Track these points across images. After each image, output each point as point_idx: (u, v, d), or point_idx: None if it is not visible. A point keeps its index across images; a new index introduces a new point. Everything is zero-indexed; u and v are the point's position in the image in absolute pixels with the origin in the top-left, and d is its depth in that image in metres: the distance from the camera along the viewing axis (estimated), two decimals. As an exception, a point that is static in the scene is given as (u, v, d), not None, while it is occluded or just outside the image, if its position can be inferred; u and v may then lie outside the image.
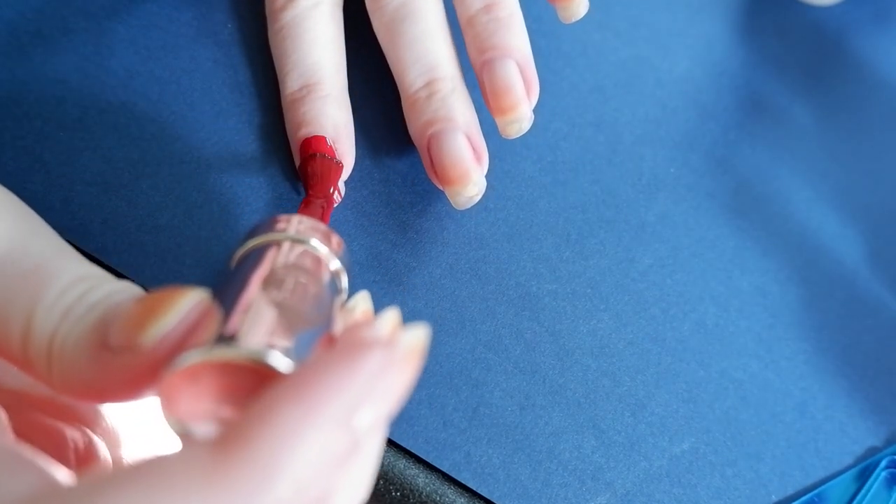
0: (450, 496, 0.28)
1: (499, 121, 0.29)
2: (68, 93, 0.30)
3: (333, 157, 0.29)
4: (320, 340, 0.19)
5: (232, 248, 0.23)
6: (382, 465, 0.28)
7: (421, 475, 0.28)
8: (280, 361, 0.18)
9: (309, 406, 0.16)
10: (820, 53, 0.39)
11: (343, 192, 0.30)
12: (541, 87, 0.32)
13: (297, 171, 0.31)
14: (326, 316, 0.20)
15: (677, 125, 0.35)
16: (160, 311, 0.18)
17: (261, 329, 0.18)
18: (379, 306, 0.29)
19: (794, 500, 0.30)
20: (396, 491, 0.28)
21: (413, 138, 0.30)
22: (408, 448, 0.28)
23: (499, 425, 0.29)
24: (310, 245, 0.22)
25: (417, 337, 0.18)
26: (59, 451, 0.21)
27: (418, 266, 0.30)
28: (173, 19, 0.32)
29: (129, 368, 0.18)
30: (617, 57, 0.36)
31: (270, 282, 0.20)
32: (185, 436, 0.19)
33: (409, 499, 0.28)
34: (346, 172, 0.30)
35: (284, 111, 0.30)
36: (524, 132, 0.29)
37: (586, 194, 0.33)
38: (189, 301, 0.18)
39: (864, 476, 0.31)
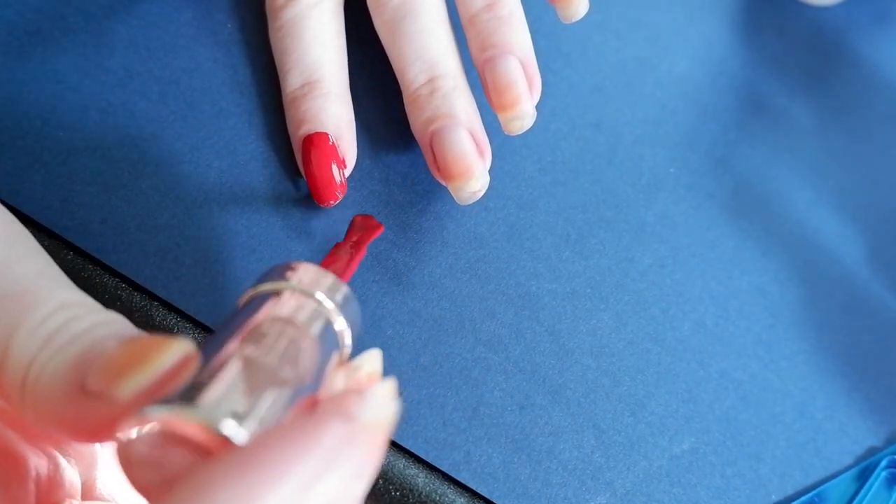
0: (449, 496, 0.28)
1: (501, 117, 0.29)
2: (68, 92, 0.30)
3: (336, 155, 0.29)
4: (301, 402, 0.18)
5: (241, 291, 0.22)
6: (382, 465, 0.28)
7: (420, 475, 0.28)
8: (233, 431, 0.17)
9: (252, 486, 0.15)
10: (820, 53, 0.39)
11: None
12: (541, 87, 0.32)
13: (297, 169, 0.31)
14: (312, 377, 0.19)
15: (677, 125, 0.35)
16: (142, 362, 0.18)
17: (225, 390, 0.17)
18: (379, 305, 0.29)
19: (794, 500, 0.30)
20: (396, 490, 0.28)
21: (415, 135, 0.30)
22: (407, 448, 0.28)
23: (498, 425, 0.29)
24: (313, 298, 0.21)
25: (385, 412, 0.17)
26: (18, 480, 0.20)
27: (418, 265, 0.30)
28: (173, 19, 0.32)
29: (102, 416, 0.18)
30: (617, 57, 0.36)
31: (253, 337, 0.19)
32: (137, 484, 0.18)
33: (408, 498, 0.28)
34: (347, 170, 0.30)
35: (285, 109, 0.30)
36: (526, 129, 0.29)
37: (586, 194, 0.33)
38: (172, 355, 0.18)
39: (864, 476, 0.31)
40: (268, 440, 0.16)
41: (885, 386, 0.32)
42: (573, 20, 0.30)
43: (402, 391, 0.28)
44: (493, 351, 0.30)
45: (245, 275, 0.29)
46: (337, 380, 0.20)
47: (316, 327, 0.20)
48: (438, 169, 0.29)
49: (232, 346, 0.19)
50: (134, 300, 0.28)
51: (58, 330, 0.18)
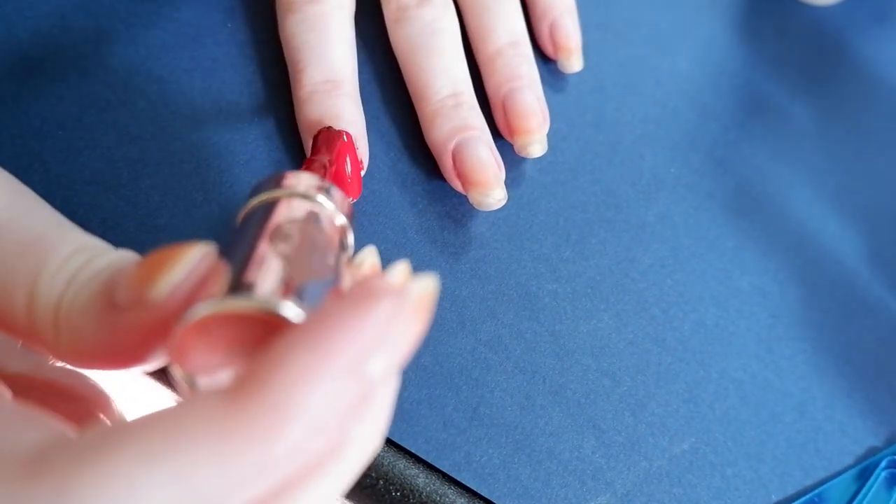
0: (450, 496, 0.28)
1: (520, 140, 0.31)
2: (67, 91, 0.30)
3: (354, 154, 0.29)
4: (329, 293, 0.20)
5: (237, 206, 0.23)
6: (382, 465, 0.28)
7: (421, 475, 0.28)
8: (292, 311, 0.18)
9: (321, 353, 0.16)
10: (820, 53, 0.39)
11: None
12: (542, 87, 0.33)
13: (300, 166, 0.31)
14: (334, 270, 0.20)
15: (677, 125, 0.35)
16: (167, 265, 0.18)
17: (271, 280, 0.18)
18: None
19: (794, 500, 0.30)
20: (396, 491, 0.28)
21: (434, 142, 0.31)
22: (408, 448, 0.28)
23: (499, 425, 0.29)
24: (316, 201, 0.22)
25: (427, 286, 0.18)
26: (103, 403, 0.21)
27: (419, 266, 0.30)
28: (173, 19, 0.32)
29: (139, 325, 0.18)
30: (617, 57, 0.36)
31: (278, 235, 0.20)
32: (196, 392, 0.19)
33: (409, 499, 0.28)
34: (361, 172, 0.30)
35: (301, 102, 0.30)
36: (538, 155, 0.32)
37: (586, 194, 0.33)
38: (196, 254, 0.18)
39: (864, 476, 0.31)
40: (324, 317, 0.17)
41: (885, 386, 0.32)
42: (571, 71, 0.35)
43: (403, 391, 0.28)
44: (494, 351, 0.29)
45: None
46: (345, 277, 0.21)
47: (327, 226, 0.22)
48: (461, 177, 0.30)
49: (260, 245, 0.20)
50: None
51: (79, 268, 0.19)
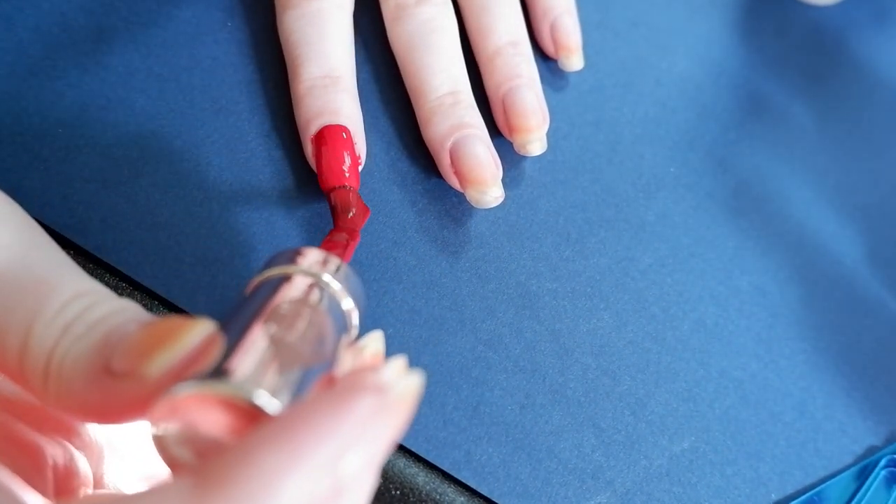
0: (450, 495, 0.28)
1: (519, 139, 0.31)
2: (67, 89, 0.30)
3: (352, 149, 0.29)
4: (319, 380, 0.19)
5: (248, 277, 0.23)
6: (382, 464, 0.28)
7: (421, 474, 0.28)
8: (267, 402, 0.18)
9: (292, 450, 0.16)
10: (820, 53, 0.39)
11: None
12: (542, 87, 0.33)
13: (298, 167, 0.31)
14: (329, 355, 0.20)
15: (677, 125, 0.35)
16: (168, 342, 0.18)
17: (254, 366, 0.18)
18: (379, 305, 0.29)
19: (793, 499, 0.30)
20: (396, 489, 0.28)
21: (432, 140, 0.31)
22: (407, 446, 0.28)
23: (499, 424, 0.29)
24: (322, 280, 0.22)
25: (411, 384, 0.18)
26: (37, 468, 0.20)
27: (418, 264, 0.30)
28: (173, 17, 0.32)
29: (131, 395, 0.18)
30: (616, 56, 0.36)
31: (274, 317, 0.20)
32: (170, 462, 0.19)
33: (408, 497, 0.28)
34: (359, 167, 0.30)
35: (299, 98, 0.30)
36: (537, 154, 0.32)
37: (586, 194, 0.33)
38: (198, 334, 0.18)
39: (863, 475, 0.31)
40: (302, 410, 0.17)
41: (884, 385, 0.32)
42: (572, 70, 0.35)
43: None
44: (494, 350, 0.29)
45: (245, 272, 0.29)
46: (345, 360, 0.21)
47: (328, 308, 0.21)
48: (459, 174, 0.30)
49: (255, 326, 0.19)
50: (134, 299, 0.28)
51: (76, 318, 0.19)
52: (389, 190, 0.31)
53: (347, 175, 0.28)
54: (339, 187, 0.28)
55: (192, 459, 0.18)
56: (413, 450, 0.28)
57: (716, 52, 0.38)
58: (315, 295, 0.21)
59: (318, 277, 0.22)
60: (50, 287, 0.19)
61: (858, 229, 0.35)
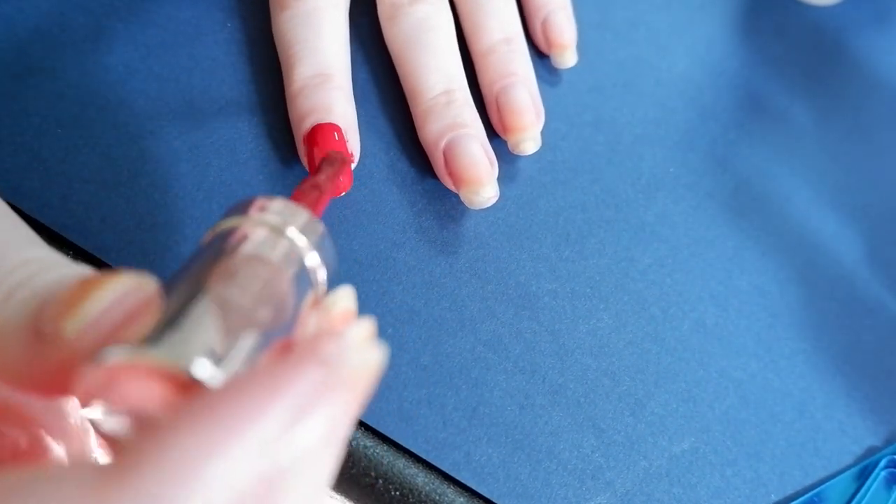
0: (449, 495, 0.28)
1: (513, 138, 0.31)
2: (66, 89, 0.30)
3: (345, 148, 0.29)
4: (273, 345, 0.17)
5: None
6: (382, 465, 0.28)
7: (420, 474, 0.28)
8: (205, 372, 0.16)
9: (220, 428, 0.14)
10: (820, 53, 0.39)
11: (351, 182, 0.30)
12: (540, 86, 0.33)
13: (297, 167, 0.31)
14: (287, 318, 0.18)
15: (677, 125, 0.35)
16: (89, 294, 0.17)
17: (197, 331, 0.16)
18: (379, 305, 0.29)
19: (793, 500, 0.30)
20: (396, 490, 0.28)
21: (427, 141, 0.31)
22: (407, 447, 0.28)
23: (498, 424, 0.29)
24: (284, 234, 0.19)
25: (370, 359, 0.16)
26: None
27: (418, 265, 0.30)
28: (172, 17, 0.32)
29: (56, 361, 0.16)
30: (616, 57, 0.36)
31: (223, 275, 0.17)
32: (108, 441, 0.17)
33: (408, 498, 0.28)
34: (353, 164, 0.30)
35: (291, 97, 0.30)
36: (532, 152, 0.32)
37: (586, 194, 0.33)
38: (117, 287, 0.17)
39: (863, 476, 0.31)
40: (238, 385, 0.15)
41: (884, 386, 0.32)
42: (565, 67, 0.34)
43: (403, 391, 0.28)
44: (493, 351, 0.29)
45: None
46: (310, 320, 0.19)
47: (289, 265, 0.19)
48: (452, 175, 0.30)
49: (200, 284, 0.17)
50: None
51: (20, 284, 0.18)
52: (389, 190, 0.31)
53: (336, 173, 0.28)
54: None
55: (129, 439, 0.16)
56: (413, 450, 0.28)
57: (716, 52, 0.38)
58: (274, 251, 0.19)
59: (279, 230, 0.19)
60: None
61: (858, 229, 0.35)
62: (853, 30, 0.40)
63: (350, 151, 0.29)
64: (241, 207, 0.20)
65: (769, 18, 0.39)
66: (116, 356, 0.16)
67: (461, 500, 0.28)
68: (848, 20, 0.40)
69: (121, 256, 0.28)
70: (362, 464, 0.28)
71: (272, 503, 0.15)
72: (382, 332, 0.29)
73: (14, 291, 0.17)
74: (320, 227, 0.20)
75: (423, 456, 0.28)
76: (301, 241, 0.19)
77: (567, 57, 0.34)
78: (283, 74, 0.31)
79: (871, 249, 0.35)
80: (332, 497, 0.29)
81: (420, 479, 0.28)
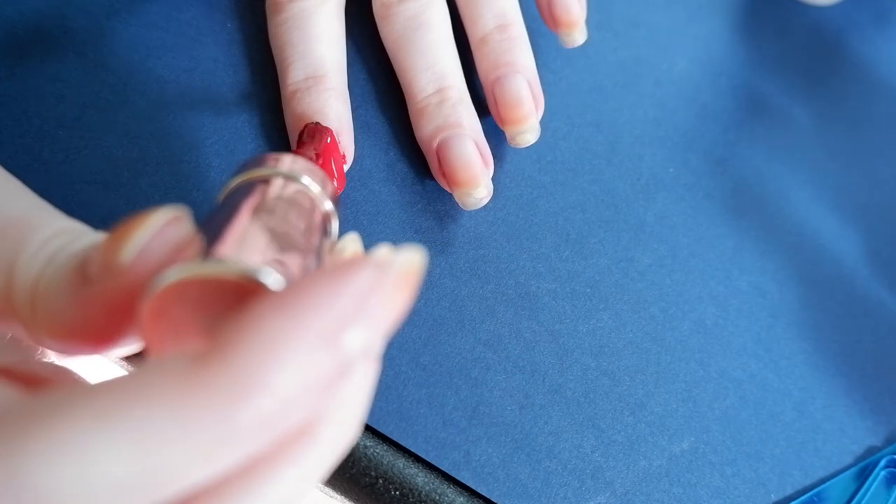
0: (449, 495, 0.28)
1: (510, 131, 0.31)
2: (67, 91, 0.30)
3: (337, 150, 0.29)
4: (310, 272, 0.18)
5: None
6: (382, 464, 0.28)
7: (420, 474, 0.28)
8: (270, 277, 0.17)
9: (295, 320, 0.15)
10: (820, 53, 0.39)
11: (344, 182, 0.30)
12: (541, 86, 0.33)
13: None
14: (316, 251, 0.19)
15: (676, 125, 0.35)
16: (132, 229, 0.18)
17: (250, 249, 0.17)
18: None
19: (793, 500, 0.30)
20: (395, 490, 0.28)
21: (422, 142, 0.31)
22: (407, 447, 0.28)
23: (498, 424, 0.29)
24: (301, 183, 0.21)
25: (412, 259, 0.17)
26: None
27: (418, 265, 0.30)
28: (173, 18, 0.32)
29: (108, 295, 0.17)
30: (616, 57, 0.36)
31: (261, 209, 0.19)
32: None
33: (408, 498, 0.28)
34: (346, 166, 0.30)
35: (285, 102, 0.30)
36: (531, 143, 0.31)
37: (585, 194, 0.33)
38: (161, 216, 0.18)
39: (863, 475, 0.31)
40: (301, 284, 0.16)
41: (884, 386, 0.32)
42: (574, 46, 0.32)
43: (402, 390, 0.28)
44: (493, 350, 0.30)
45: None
46: (326, 262, 0.20)
47: (311, 209, 0.21)
48: (445, 176, 0.30)
49: (242, 217, 0.19)
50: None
51: (59, 249, 0.19)
52: (388, 191, 0.31)
53: (333, 175, 0.29)
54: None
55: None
56: (412, 450, 0.28)
57: (716, 52, 0.38)
58: (297, 195, 0.21)
59: (297, 179, 0.21)
60: (32, 225, 0.19)
61: (858, 229, 0.35)
62: (853, 30, 0.40)
63: (343, 155, 0.29)
64: (257, 162, 0.22)
65: (769, 18, 0.39)
66: (175, 275, 0.16)
67: (461, 499, 0.28)
68: (848, 20, 0.40)
69: (121, 257, 0.28)
70: (362, 463, 0.28)
71: (338, 401, 0.17)
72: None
73: (54, 256, 0.18)
74: (329, 181, 0.22)
75: (423, 456, 0.28)
76: (316, 189, 0.21)
77: (575, 36, 0.32)
78: (279, 78, 0.31)
79: (871, 249, 0.35)
80: (332, 497, 0.29)
81: (420, 478, 0.28)
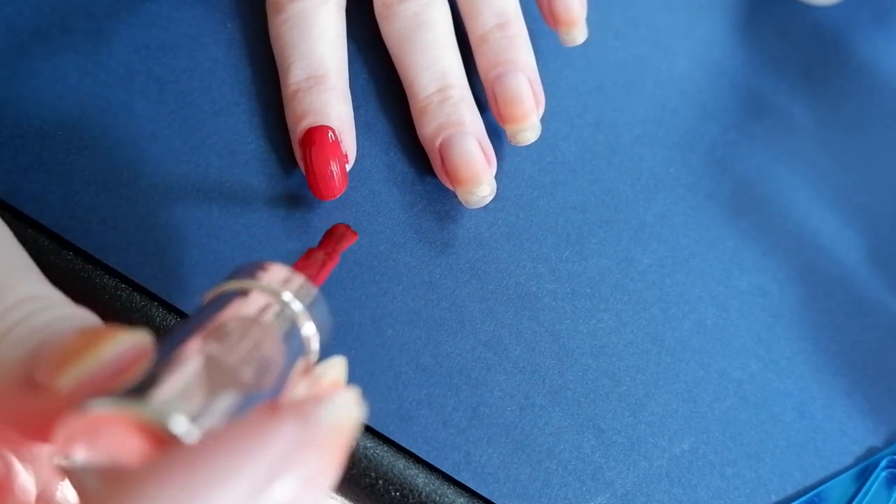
0: (449, 496, 0.28)
1: (510, 129, 0.31)
2: (67, 91, 0.30)
3: (339, 149, 0.29)
4: (257, 407, 0.17)
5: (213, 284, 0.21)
6: (382, 465, 0.28)
7: (420, 475, 0.28)
8: (181, 429, 0.16)
9: (194, 487, 0.14)
10: (820, 53, 0.39)
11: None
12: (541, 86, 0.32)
13: (298, 168, 0.31)
14: (274, 382, 0.18)
15: (677, 125, 0.35)
16: (86, 351, 0.17)
17: (180, 387, 0.16)
18: (379, 305, 0.29)
19: (793, 500, 0.30)
20: (396, 491, 0.28)
21: (424, 141, 0.31)
22: (407, 448, 0.28)
23: (498, 425, 0.29)
24: (280, 300, 0.20)
25: (346, 418, 0.16)
26: None
27: (418, 266, 0.30)
28: (173, 18, 0.32)
29: (46, 410, 0.17)
30: (616, 57, 0.36)
31: (215, 334, 0.18)
32: (79, 489, 0.17)
33: (408, 499, 0.28)
34: (348, 165, 0.30)
35: (286, 101, 0.30)
36: (531, 141, 0.31)
37: (586, 194, 0.33)
38: (119, 345, 0.17)
39: (863, 476, 0.31)
40: (216, 441, 0.15)
41: (885, 386, 0.32)
42: (574, 45, 0.32)
43: (403, 391, 0.28)
44: (493, 351, 0.30)
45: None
46: (299, 387, 0.19)
47: (282, 330, 0.19)
48: (448, 174, 0.30)
49: (192, 342, 0.18)
50: (134, 300, 0.28)
51: (18, 322, 0.18)
52: (388, 191, 0.31)
53: (336, 175, 0.28)
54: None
55: (102, 490, 0.16)
56: (413, 451, 0.28)
57: (716, 52, 0.38)
58: (269, 314, 0.19)
59: (277, 296, 0.20)
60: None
61: (858, 229, 0.35)
62: (853, 30, 0.40)
63: (345, 154, 0.29)
64: (245, 271, 0.21)
65: (769, 19, 0.39)
66: (99, 407, 0.16)
67: (461, 500, 0.28)
68: (848, 20, 0.40)
69: (121, 258, 0.28)
70: (362, 464, 0.28)
71: None
72: (382, 333, 0.29)
73: (12, 329, 0.18)
74: (316, 294, 0.21)
75: (424, 456, 0.28)
76: (297, 306, 0.20)
77: (575, 34, 0.31)
78: (280, 78, 0.31)
79: (871, 249, 0.35)
80: (332, 498, 0.29)
81: (420, 479, 0.28)
